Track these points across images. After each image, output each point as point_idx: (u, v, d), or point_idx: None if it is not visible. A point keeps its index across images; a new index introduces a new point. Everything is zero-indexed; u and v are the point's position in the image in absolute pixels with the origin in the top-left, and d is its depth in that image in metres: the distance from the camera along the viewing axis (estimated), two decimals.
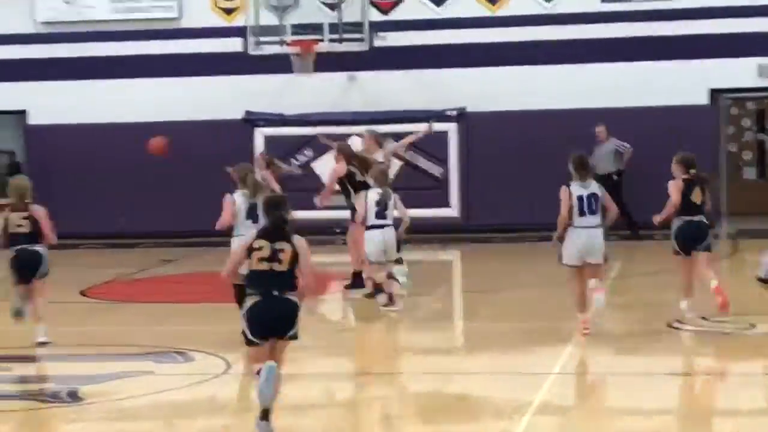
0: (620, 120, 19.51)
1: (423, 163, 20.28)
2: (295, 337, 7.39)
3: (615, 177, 18.22)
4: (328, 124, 20.32)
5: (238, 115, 20.89)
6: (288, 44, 20.28)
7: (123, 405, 9.92)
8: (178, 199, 20.28)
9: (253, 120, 21.05)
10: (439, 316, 13.16)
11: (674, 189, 10.91)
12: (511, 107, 20.23)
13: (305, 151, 20.52)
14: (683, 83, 19.66)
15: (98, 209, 19.97)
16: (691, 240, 11.11)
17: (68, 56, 21.62)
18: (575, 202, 10.30)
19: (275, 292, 7.26)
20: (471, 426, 8.74)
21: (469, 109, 20.48)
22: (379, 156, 13.67)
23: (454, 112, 20.46)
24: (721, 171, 20.97)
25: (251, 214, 11.10)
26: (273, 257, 7.25)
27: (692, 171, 11.03)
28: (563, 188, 10.32)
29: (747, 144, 23.32)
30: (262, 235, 7.42)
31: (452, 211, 20.46)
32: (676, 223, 10.86)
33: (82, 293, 15.42)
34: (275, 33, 20.41)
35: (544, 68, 20.49)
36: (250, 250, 7.50)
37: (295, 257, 7.32)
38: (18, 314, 12.29)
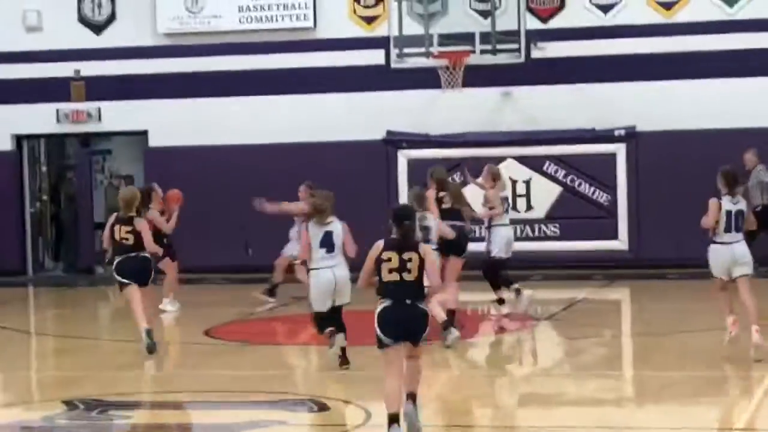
0: None
1: (587, 189, 20.32)
2: (424, 340, 8.59)
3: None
4: (478, 145, 20.42)
5: (379, 135, 20.90)
6: (435, 56, 20.21)
7: None
8: None
9: (395, 141, 21.08)
10: (607, 363, 12.98)
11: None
12: (688, 126, 19.99)
13: (453, 176, 19.90)
14: None
15: (222, 240, 20.30)
16: None
17: (192, 71, 21.88)
18: (723, 216, 11.30)
19: (408, 301, 8.43)
20: None
21: (640, 128, 20.23)
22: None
23: (623, 132, 20.26)
24: None
25: (325, 242, 11.88)
26: (402, 267, 8.37)
27: None
28: (713, 200, 11.38)
29: None
30: (390, 246, 8.51)
31: (620, 243, 20.24)
32: None
33: (207, 333, 15.53)
34: (420, 44, 20.33)
35: (726, 81, 20.09)
36: (378, 262, 8.62)
37: (422, 265, 8.44)
38: (150, 350, 13.17)
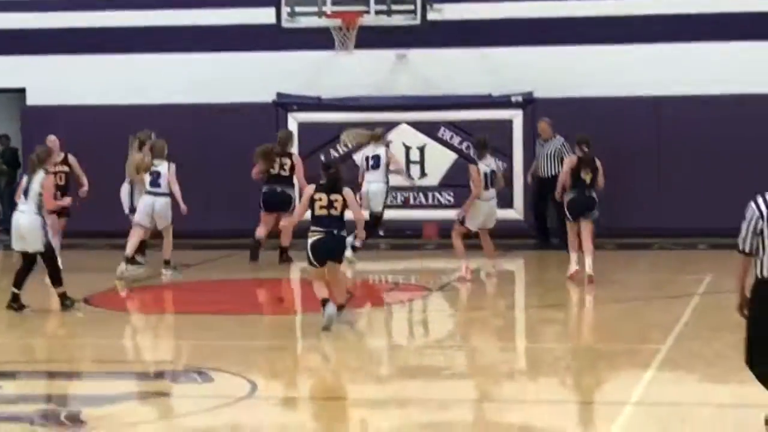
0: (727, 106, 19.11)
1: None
2: (341, 261, 11.91)
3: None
4: (372, 109, 20.13)
5: (269, 97, 20.36)
6: (328, 16, 20.13)
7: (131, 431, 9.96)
8: (194, 194, 19.28)
9: (285, 103, 20.51)
10: (500, 335, 12.96)
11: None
12: (586, 93, 19.64)
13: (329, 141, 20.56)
14: None
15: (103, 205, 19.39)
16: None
17: (74, 26, 21.24)
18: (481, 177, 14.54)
19: (334, 231, 11.33)
20: None
21: (538, 94, 19.86)
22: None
23: (520, 98, 19.87)
24: None
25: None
26: (329, 205, 11.36)
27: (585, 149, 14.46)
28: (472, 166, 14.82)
29: None
30: (320, 189, 11.47)
31: (516, 212, 19.74)
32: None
33: (86, 300, 15.12)
34: (313, 3, 20.32)
35: (623, 48, 19.99)
36: (312, 201, 11.83)
37: (345, 204, 11.48)
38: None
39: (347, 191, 12.12)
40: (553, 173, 17.97)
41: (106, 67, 21.18)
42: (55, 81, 21.33)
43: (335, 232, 11.65)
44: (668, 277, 16.41)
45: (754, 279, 7.67)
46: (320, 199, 11.87)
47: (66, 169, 16.19)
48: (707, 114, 19.93)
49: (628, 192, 19.81)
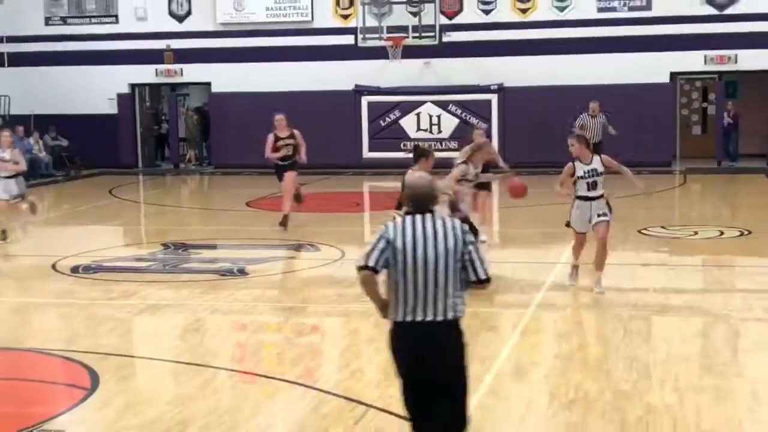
0: (608, 94, 21.03)
1: (474, 121, 22.47)
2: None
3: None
4: (410, 93, 22.93)
5: (351, 87, 23.39)
6: (384, 39, 22.31)
7: (275, 278, 11.23)
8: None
9: (359, 91, 23.36)
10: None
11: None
12: (536, 83, 22.44)
13: (395, 112, 23.41)
14: (651, 68, 22.22)
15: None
16: None
17: (238, 46, 24.18)
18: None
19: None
20: (505, 297, 9.80)
21: (506, 84, 22.67)
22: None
23: (495, 87, 22.72)
24: (676, 128, 23.09)
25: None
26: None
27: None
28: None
29: (694, 110, 25.50)
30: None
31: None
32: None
33: (248, 204, 17.33)
34: (376, 32, 22.54)
35: (556, 57, 22.56)
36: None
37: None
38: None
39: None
40: (598, 140, 17.86)
41: (261, 71, 23.90)
42: (229, 77, 23.99)
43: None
44: None
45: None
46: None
47: (292, 141, 14.77)
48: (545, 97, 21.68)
49: None
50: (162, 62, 24.53)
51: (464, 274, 4.79)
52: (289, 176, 14.47)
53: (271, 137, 14.43)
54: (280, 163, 14.49)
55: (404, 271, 4.73)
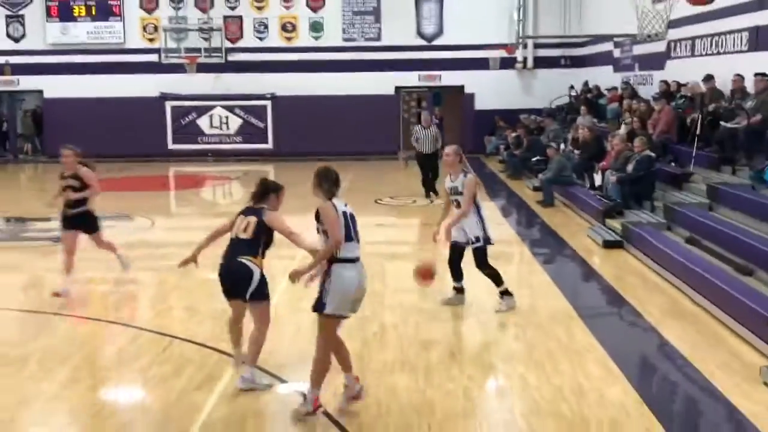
0: (347, 104, 21.13)
1: (254, 120, 22.22)
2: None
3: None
4: (204, 99, 21.98)
5: (157, 94, 22.23)
6: (182, 58, 21.70)
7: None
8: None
9: (165, 97, 22.28)
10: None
11: None
12: (299, 93, 21.88)
13: (192, 114, 22.41)
14: (381, 83, 22.11)
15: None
16: None
17: (75, 62, 21.85)
18: None
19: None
20: None
21: (278, 93, 22.02)
22: None
23: (270, 95, 22.04)
24: (400, 127, 22.61)
25: None
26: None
27: None
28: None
29: (412, 114, 23.52)
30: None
31: (269, 145, 22.12)
32: None
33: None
34: (175, 52, 21.85)
35: (314, 74, 22.07)
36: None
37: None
38: None
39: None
40: (431, 151, 14.70)
41: (84, 81, 22.32)
42: (58, 85, 22.42)
43: None
44: None
45: None
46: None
47: (75, 183, 7.27)
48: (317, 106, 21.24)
49: None
50: (2, 74, 22.92)
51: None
52: (69, 237, 7.99)
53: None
54: (67, 211, 7.99)
55: None
